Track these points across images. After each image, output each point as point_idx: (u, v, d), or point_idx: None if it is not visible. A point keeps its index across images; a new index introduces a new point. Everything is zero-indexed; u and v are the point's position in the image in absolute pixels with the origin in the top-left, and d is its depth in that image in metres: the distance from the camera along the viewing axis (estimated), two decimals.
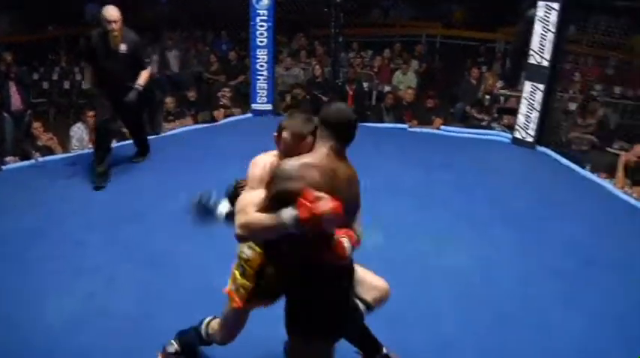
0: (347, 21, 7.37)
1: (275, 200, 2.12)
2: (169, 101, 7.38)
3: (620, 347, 3.33)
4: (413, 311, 3.48)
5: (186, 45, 10.24)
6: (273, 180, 2.15)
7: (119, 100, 5.08)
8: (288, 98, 8.19)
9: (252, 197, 2.25)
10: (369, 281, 2.63)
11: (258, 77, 7.36)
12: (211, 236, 3.11)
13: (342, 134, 2.22)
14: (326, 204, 1.99)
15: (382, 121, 7.70)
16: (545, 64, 6.27)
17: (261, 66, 7.29)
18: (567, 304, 3.75)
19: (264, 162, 2.40)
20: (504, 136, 6.93)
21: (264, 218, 2.13)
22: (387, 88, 8.89)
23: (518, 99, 6.76)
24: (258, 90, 7.42)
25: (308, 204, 1.99)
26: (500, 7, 9.75)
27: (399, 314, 3.15)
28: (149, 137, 6.08)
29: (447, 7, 12.16)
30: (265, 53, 7.23)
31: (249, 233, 2.19)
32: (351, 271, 2.41)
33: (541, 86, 6.35)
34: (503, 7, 9.60)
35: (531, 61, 6.39)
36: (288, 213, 2.04)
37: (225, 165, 5.63)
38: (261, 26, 7.09)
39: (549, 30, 6.16)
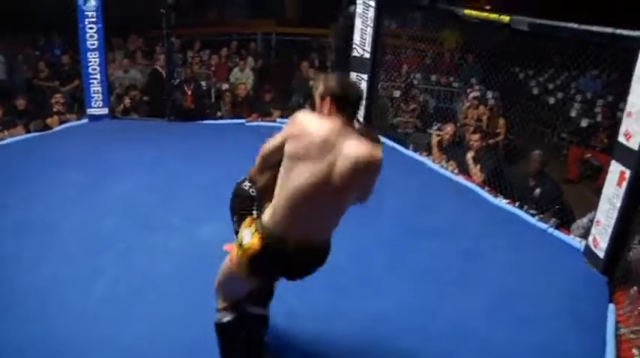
0: (180, 21, 7.43)
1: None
2: None
3: (436, 301, 3.79)
4: None
5: (13, 50, 9.62)
6: None
7: None
8: (126, 100, 8.05)
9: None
10: None
11: (92, 81, 7.16)
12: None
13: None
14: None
15: (222, 118, 7.85)
16: (367, 56, 6.80)
17: (94, 69, 7.11)
18: (393, 268, 4.17)
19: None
20: None
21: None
22: (225, 86, 9.04)
23: None
24: (92, 95, 7.21)
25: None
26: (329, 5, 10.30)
27: None
28: None
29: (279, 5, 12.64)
30: (97, 56, 7.05)
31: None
32: None
33: (365, 76, 6.88)
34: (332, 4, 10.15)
35: (355, 53, 6.90)
36: None
37: (60, 171, 5.55)
38: (91, 28, 6.89)
39: (368, 25, 6.70)
